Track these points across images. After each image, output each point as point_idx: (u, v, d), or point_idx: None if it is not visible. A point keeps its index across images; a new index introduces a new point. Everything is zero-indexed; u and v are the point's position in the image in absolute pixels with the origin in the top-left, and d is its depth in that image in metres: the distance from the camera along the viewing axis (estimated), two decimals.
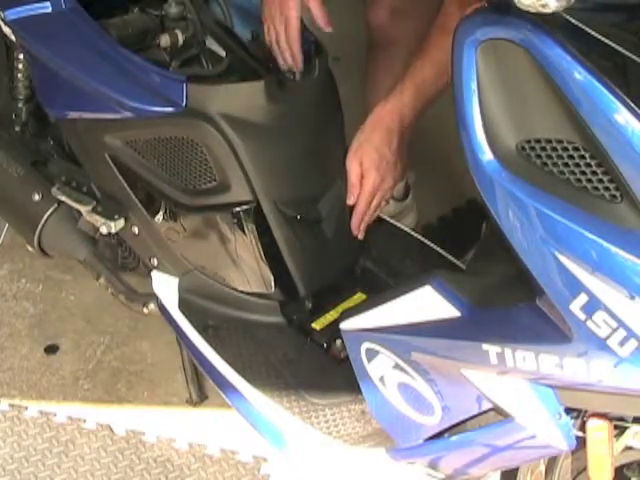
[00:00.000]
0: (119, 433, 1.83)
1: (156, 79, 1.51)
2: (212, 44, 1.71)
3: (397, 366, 1.30)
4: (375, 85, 2.04)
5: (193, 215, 1.58)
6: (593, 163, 0.98)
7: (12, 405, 1.89)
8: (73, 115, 1.66)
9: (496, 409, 1.21)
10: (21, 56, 1.81)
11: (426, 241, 1.75)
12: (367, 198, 1.57)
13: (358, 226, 1.60)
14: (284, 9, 1.53)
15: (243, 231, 1.53)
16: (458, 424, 1.29)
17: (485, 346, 1.13)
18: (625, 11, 1.05)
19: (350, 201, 1.57)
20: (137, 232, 1.67)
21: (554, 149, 1.01)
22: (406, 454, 1.39)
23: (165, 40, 1.63)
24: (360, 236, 1.62)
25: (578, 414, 1.18)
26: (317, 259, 1.61)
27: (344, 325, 1.38)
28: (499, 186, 1.05)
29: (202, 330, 1.60)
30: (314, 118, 1.55)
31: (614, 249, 0.97)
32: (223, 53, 1.69)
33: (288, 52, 1.55)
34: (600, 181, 0.98)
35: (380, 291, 1.54)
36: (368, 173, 1.55)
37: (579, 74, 0.96)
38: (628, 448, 1.22)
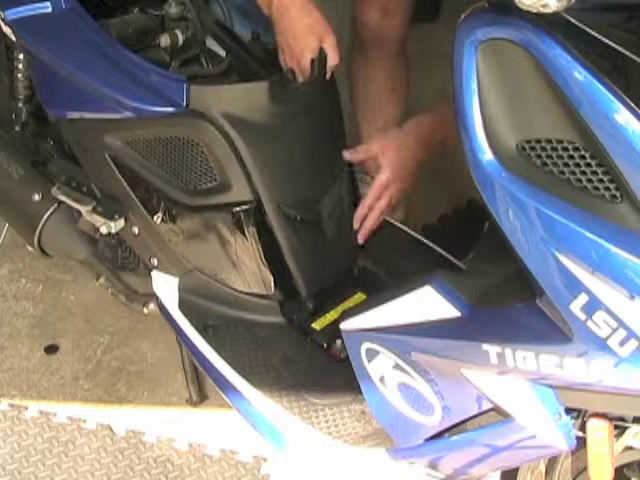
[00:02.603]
0: (119, 433, 1.83)
1: (156, 79, 1.51)
2: (212, 44, 1.71)
3: (397, 366, 1.30)
4: (366, 82, 2.05)
5: (193, 215, 1.58)
6: (593, 163, 0.98)
7: (12, 405, 1.89)
8: (73, 115, 1.66)
9: (496, 409, 1.21)
10: (21, 56, 1.81)
11: (426, 241, 1.75)
12: (377, 191, 1.59)
13: (361, 219, 1.62)
14: (307, 45, 1.52)
15: (243, 231, 1.53)
16: (458, 424, 1.29)
17: (485, 346, 1.13)
18: (625, 11, 1.05)
19: (349, 156, 1.59)
20: (137, 232, 1.67)
21: (554, 149, 1.01)
22: (406, 454, 1.39)
23: (165, 40, 1.63)
24: (360, 239, 1.63)
25: (578, 414, 1.18)
26: (317, 259, 1.61)
27: (344, 325, 1.38)
28: (499, 186, 1.05)
29: (202, 330, 1.60)
30: (316, 118, 1.55)
31: (614, 249, 0.97)
32: (223, 53, 1.69)
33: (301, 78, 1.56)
34: (600, 181, 0.98)
35: (380, 291, 1.55)
36: (385, 168, 1.57)
37: (579, 74, 0.96)
38: (628, 448, 1.22)
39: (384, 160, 1.59)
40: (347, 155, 1.61)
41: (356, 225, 1.62)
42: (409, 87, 2.12)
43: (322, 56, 1.52)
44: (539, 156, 1.02)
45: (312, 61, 1.52)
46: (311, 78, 1.52)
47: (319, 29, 1.51)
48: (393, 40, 2.00)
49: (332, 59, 1.53)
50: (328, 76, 1.53)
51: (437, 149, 1.59)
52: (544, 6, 0.93)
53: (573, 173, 1.00)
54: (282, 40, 1.55)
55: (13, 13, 1.65)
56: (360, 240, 1.64)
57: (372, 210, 1.62)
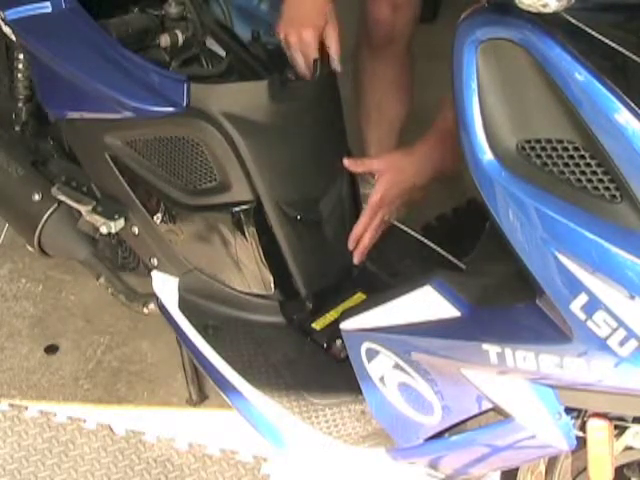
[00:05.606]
0: (119, 433, 1.83)
1: (156, 79, 1.51)
2: (212, 44, 1.71)
3: (397, 366, 1.30)
4: (373, 81, 2.05)
5: (193, 215, 1.58)
6: (593, 163, 0.99)
7: (12, 405, 1.89)
8: (73, 115, 1.66)
9: (496, 409, 1.21)
10: (21, 56, 1.81)
11: (426, 241, 1.75)
12: (370, 212, 1.60)
13: (356, 240, 1.62)
14: (311, 19, 1.54)
15: (243, 231, 1.53)
16: (458, 424, 1.29)
17: (485, 346, 1.13)
18: (625, 11, 1.05)
19: (348, 165, 1.60)
20: (137, 232, 1.67)
21: (554, 149, 1.01)
22: (406, 454, 1.39)
23: (165, 40, 1.63)
24: (356, 260, 1.64)
25: (578, 414, 1.18)
26: (318, 259, 1.61)
27: (344, 325, 1.38)
28: (499, 186, 1.05)
29: (202, 330, 1.60)
30: (316, 118, 1.55)
31: (614, 249, 0.97)
32: (223, 53, 1.69)
33: (302, 59, 1.56)
34: (600, 181, 0.98)
35: (380, 291, 1.55)
36: (379, 189, 1.59)
37: (579, 74, 0.96)
38: (628, 448, 1.22)
39: (380, 180, 1.60)
40: (347, 163, 1.61)
41: (351, 246, 1.63)
42: (414, 86, 2.12)
43: (323, 55, 1.53)
44: (539, 156, 1.02)
45: (314, 61, 1.52)
46: (313, 77, 1.52)
47: (327, 10, 1.54)
48: (402, 37, 2.00)
49: (332, 51, 1.55)
50: (336, 67, 1.55)
51: (442, 170, 1.60)
52: (544, 6, 0.93)
53: (573, 173, 1.00)
54: (288, 10, 1.56)
55: (13, 13, 1.66)
56: (356, 261, 1.64)
57: (367, 231, 1.62)
